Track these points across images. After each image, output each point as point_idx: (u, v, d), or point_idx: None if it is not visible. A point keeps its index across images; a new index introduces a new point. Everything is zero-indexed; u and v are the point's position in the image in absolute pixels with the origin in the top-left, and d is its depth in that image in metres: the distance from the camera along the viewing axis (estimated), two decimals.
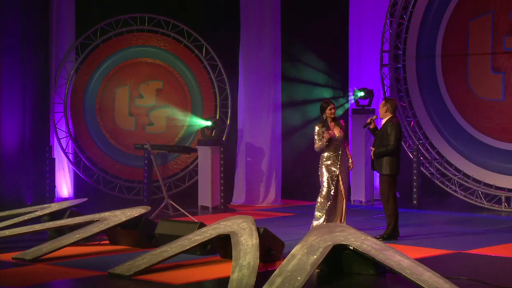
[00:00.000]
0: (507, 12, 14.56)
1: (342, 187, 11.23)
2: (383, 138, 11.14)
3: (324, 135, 11.14)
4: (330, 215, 11.20)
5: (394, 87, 15.63)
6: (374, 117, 11.62)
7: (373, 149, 11.28)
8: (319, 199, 11.20)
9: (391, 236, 11.01)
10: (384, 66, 15.70)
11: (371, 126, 11.43)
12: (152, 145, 14.37)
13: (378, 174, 15.68)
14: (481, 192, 14.74)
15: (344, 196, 11.23)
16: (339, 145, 11.24)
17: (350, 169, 11.43)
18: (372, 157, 11.29)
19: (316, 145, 11.27)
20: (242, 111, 15.41)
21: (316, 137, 11.23)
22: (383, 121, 11.28)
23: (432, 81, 15.36)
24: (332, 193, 11.15)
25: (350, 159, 11.38)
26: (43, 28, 15.45)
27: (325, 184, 11.20)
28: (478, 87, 14.93)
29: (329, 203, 11.15)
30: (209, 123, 15.17)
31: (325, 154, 11.23)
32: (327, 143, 11.14)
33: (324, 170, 11.23)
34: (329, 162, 11.22)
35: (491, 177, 14.70)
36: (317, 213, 11.19)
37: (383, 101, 11.42)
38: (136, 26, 16.00)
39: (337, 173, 11.17)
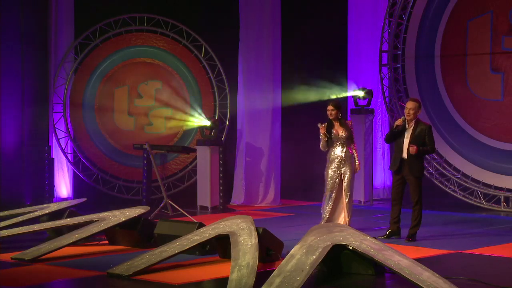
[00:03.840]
0: (506, 12, 14.57)
1: (344, 187, 11.31)
2: (420, 139, 11.00)
3: (320, 130, 11.27)
4: (332, 215, 11.35)
5: (393, 87, 15.63)
6: (403, 117, 11.15)
7: (414, 146, 10.92)
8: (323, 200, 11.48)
9: (414, 235, 11.12)
10: (383, 66, 15.70)
11: (400, 128, 11.17)
12: (151, 145, 14.37)
13: (378, 175, 15.87)
14: (480, 192, 14.75)
15: (346, 196, 11.30)
16: (343, 144, 11.32)
17: (356, 171, 11.48)
18: (413, 153, 10.90)
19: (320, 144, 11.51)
20: (241, 111, 15.40)
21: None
22: (413, 122, 11.06)
23: (431, 81, 15.36)
24: (332, 195, 11.29)
25: (356, 161, 11.44)
26: (42, 28, 15.44)
27: (327, 184, 11.40)
28: (477, 87, 14.93)
29: (328, 204, 11.29)
30: (208, 123, 15.17)
31: (330, 154, 11.37)
32: (326, 140, 11.30)
33: (327, 170, 11.39)
34: (333, 163, 11.36)
35: (490, 177, 14.71)
36: (322, 212, 11.46)
37: (417, 103, 11.14)
38: (135, 26, 16.00)
39: (340, 173, 11.29)
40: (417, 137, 11.04)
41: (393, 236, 11.15)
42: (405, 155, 11.05)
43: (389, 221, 11.34)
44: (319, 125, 11.37)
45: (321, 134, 11.31)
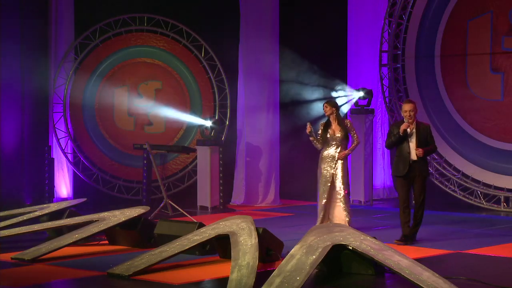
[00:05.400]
0: (506, 12, 14.57)
1: (337, 189, 11.31)
2: (424, 139, 10.91)
3: (307, 128, 11.31)
4: (328, 215, 11.36)
5: (393, 87, 15.63)
6: (407, 121, 10.92)
7: (420, 149, 10.78)
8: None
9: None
10: (383, 66, 15.70)
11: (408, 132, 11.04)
12: (151, 145, 14.37)
13: (378, 175, 15.87)
14: (480, 192, 14.75)
15: (339, 196, 11.29)
16: (338, 145, 11.33)
17: (341, 158, 11.33)
18: (421, 155, 10.77)
19: None
20: (242, 111, 15.41)
21: None
22: (414, 123, 10.91)
23: (431, 81, 15.36)
24: (325, 195, 11.32)
25: (347, 151, 11.38)
26: (42, 28, 15.44)
27: (319, 185, 11.41)
28: (477, 87, 14.93)
29: (321, 203, 11.37)
30: (208, 123, 15.18)
31: (323, 152, 11.39)
32: (312, 139, 11.34)
33: (319, 170, 11.41)
34: (324, 162, 11.39)
35: (490, 177, 14.71)
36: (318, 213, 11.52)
37: (413, 104, 10.95)
38: (135, 26, 16.00)
39: (332, 173, 11.30)
40: (422, 138, 10.93)
41: (409, 240, 10.85)
42: (414, 157, 10.82)
43: (399, 223, 10.98)
44: (308, 124, 11.36)
45: (307, 132, 11.33)
